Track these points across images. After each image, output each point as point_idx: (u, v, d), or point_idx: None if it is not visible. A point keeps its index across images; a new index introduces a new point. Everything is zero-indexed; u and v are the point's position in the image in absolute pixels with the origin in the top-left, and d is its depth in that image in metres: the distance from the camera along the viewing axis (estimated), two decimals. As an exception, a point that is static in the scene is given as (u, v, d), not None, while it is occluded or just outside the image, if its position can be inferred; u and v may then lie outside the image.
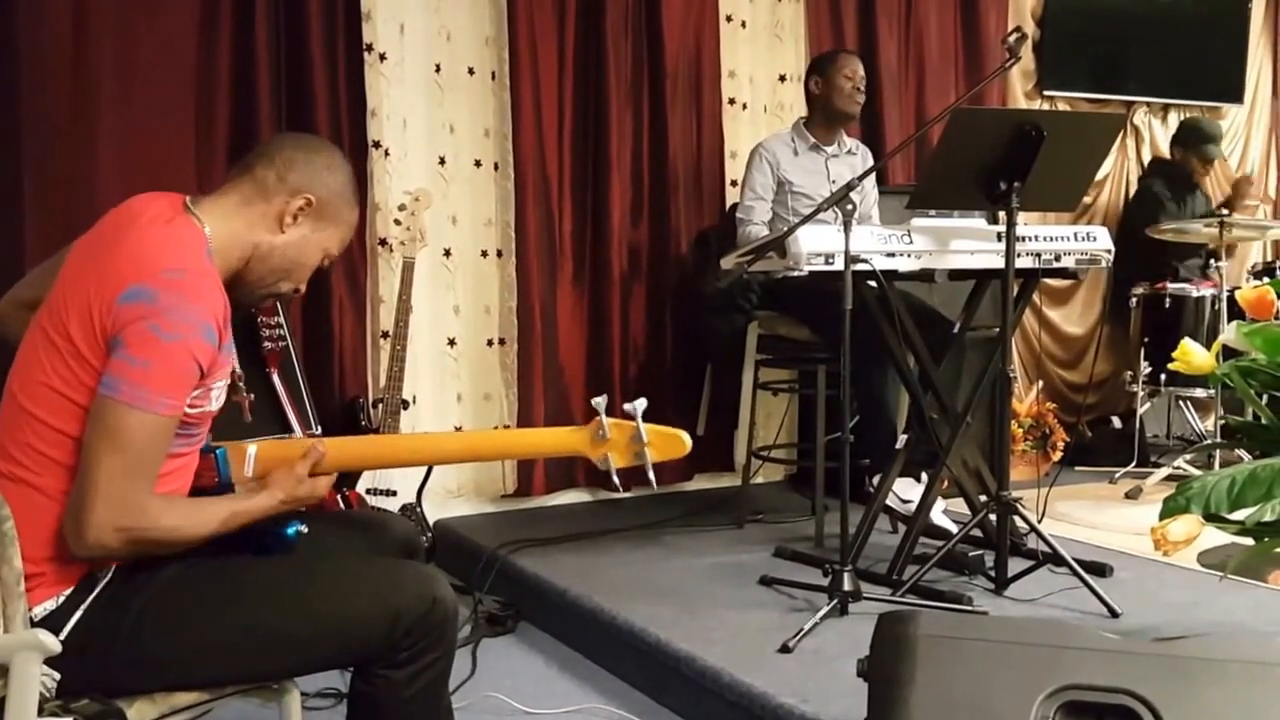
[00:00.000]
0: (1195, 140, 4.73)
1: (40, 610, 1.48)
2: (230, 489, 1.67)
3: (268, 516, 1.61)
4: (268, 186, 1.62)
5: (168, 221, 1.56)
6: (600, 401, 1.61)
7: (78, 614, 1.49)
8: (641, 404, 1.60)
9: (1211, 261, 4.05)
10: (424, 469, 3.24)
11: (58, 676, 1.46)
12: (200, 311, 1.47)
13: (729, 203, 4.04)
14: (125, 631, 1.49)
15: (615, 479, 1.64)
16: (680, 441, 1.61)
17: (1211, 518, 1.91)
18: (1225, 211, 4.63)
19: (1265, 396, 2.08)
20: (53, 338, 1.49)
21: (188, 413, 1.51)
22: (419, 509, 3.29)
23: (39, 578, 1.48)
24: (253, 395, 1.64)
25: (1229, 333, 2.07)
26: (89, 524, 1.43)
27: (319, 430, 3.07)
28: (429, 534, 3.32)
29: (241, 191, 1.63)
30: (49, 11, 3.03)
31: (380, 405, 3.23)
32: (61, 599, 1.49)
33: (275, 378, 2.99)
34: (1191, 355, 2.10)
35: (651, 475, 1.61)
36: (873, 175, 3.68)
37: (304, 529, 1.66)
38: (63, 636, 1.44)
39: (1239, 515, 1.90)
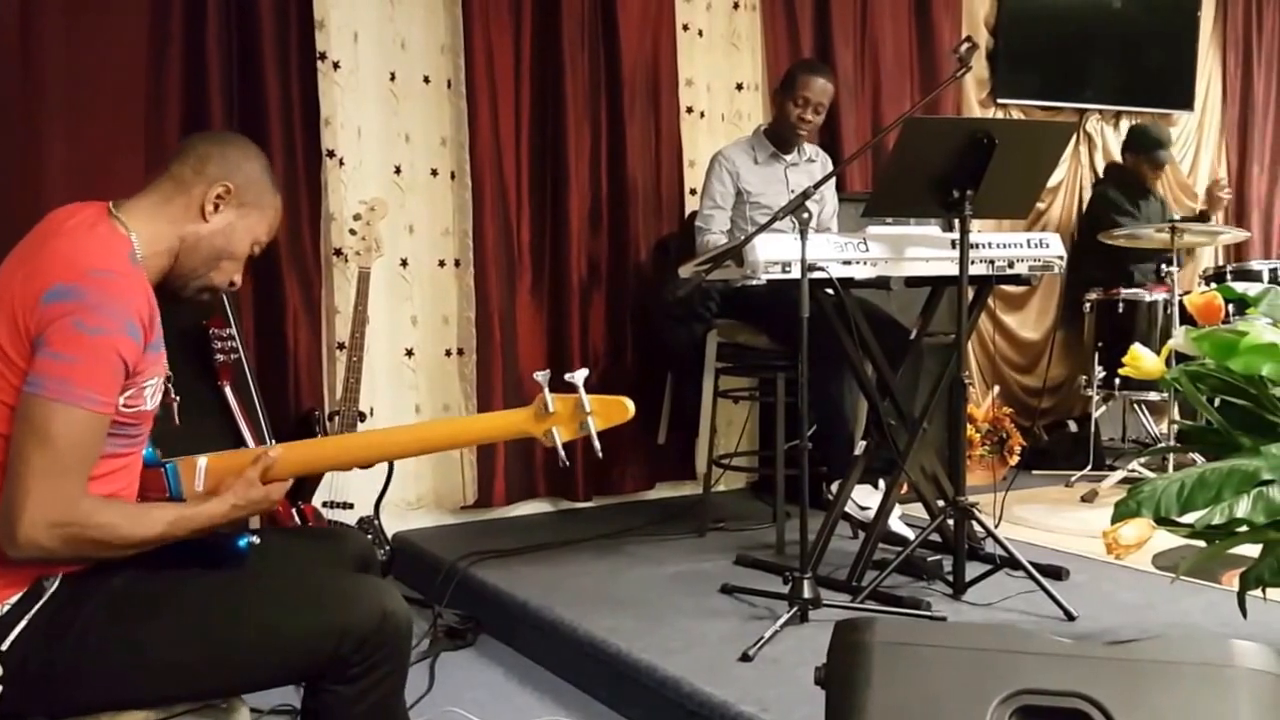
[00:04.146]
0: (1144, 146, 4.80)
1: None
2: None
3: (219, 525, 1.58)
4: (185, 181, 1.64)
5: (91, 227, 1.56)
6: (543, 376, 1.62)
7: (21, 624, 1.46)
8: (583, 373, 1.62)
9: (1163, 266, 4.10)
10: (382, 481, 3.21)
11: None
12: (124, 308, 1.47)
13: (688, 211, 4.05)
14: (69, 645, 1.46)
15: (561, 453, 1.64)
16: (623, 406, 1.62)
17: (1162, 521, 1.94)
18: (1205, 218, 4.77)
19: (1217, 400, 2.10)
20: None
21: (123, 411, 1.51)
22: (377, 521, 3.25)
23: None
24: (179, 397, 1.63)
25: (1178, 338, 2.09)
26: (20, 522, 1.42)
27: (273, 444, 3.02)
28: (387, 547, 3.28)
29: (161, 190, 1.64)
30: (-6, 20, 2.99)
31: (337, 418, 3.19)
32: (6, 608, 1.46)
33: (228, 391, 2.94)
34: (1141, 360, 2.13)
35: (597, 444, 1.61)
36: (833, 183, 3.70)
37: (256, 540, 1.65)
38: (4, 647, 1.43)
39: (1189, 518, 1.92)
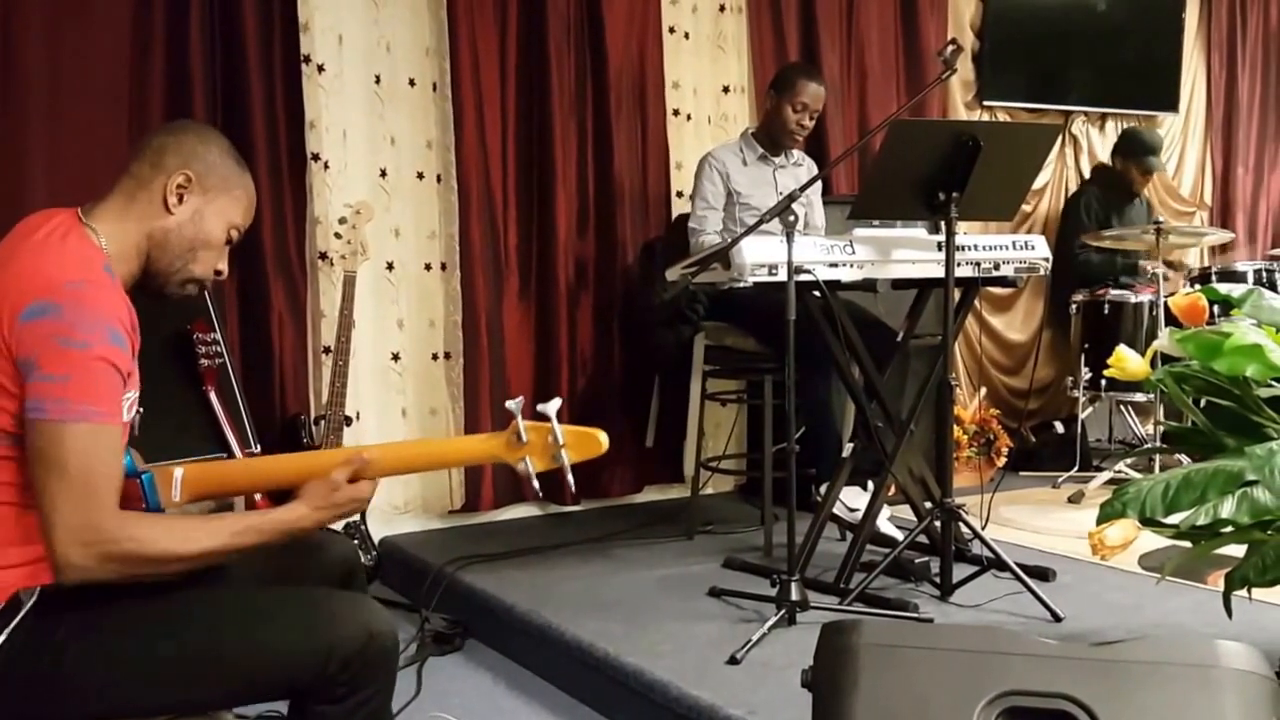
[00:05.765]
0: (1136, 151, 4.81)
1: None
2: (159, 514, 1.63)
3: (296, 534, 1.56)
4: (144, 177, 1.62)
5: (63, 238, 1.54)
6: (516, 404, 1.57)
7: (0, 639, 1.44)
8: (555, 404, 1.57)
9: (1150, 266, 4.12)
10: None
11: None
12: (104, 317, 1.46)
13: (675, 214, 4.04)
14: (48, 658, 1.45)
15: (535, 484, 1.60)
16: (596, 440, 1.57)
17: (1148, 522, 1.94)
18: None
19: (1202, 401, 2.11)
20: None
21: None
22: (363, 526, 3.24)
23: None
24: (141, 410, 1.60)
25: (1163, 339, 2.10)
26: (56, 550, 1.41)
27: (258, 449, 3.01)
28: (374, 552, 3.27)
29: (124, 190, 1.63)
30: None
31: (323, 422, 3.18)
32: None
33: (212, 396, 2.92)
34: (1126, 361, 2.14)
35: (570, 479, 1.58)
36: (819, 189, 3.70)
37: None
38: None
39: (1174, 519, 1.92)
